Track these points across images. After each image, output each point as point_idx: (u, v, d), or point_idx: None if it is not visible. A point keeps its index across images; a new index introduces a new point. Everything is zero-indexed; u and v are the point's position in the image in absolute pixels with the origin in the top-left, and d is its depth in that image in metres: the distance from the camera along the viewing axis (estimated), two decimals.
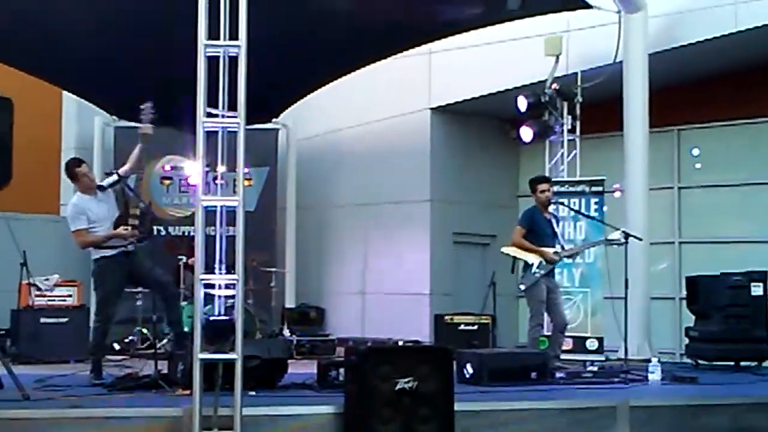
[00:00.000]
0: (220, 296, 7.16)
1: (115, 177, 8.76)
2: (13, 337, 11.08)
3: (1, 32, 10.84)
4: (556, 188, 11.61)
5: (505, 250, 9.99)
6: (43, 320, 11.05)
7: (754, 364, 11.17)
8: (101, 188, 8.74)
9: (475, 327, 12.30)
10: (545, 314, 9.91)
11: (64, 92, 14.76)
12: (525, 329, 10.23)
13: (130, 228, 8.44)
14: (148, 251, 8.54)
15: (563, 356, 10.93)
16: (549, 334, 10.16)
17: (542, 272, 9.72)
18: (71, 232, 8.62)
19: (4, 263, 10.37)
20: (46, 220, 13.83)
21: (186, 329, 9.45)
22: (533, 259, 9.73)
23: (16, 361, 9.51)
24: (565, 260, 10.27)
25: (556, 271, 11.20)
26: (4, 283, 10.98)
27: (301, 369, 9.09)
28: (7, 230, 8.66)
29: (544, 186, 10.08)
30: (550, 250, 9.80)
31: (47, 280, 11.44)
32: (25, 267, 10.86)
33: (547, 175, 11.87)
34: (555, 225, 10.11)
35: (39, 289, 11.34)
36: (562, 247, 10.02)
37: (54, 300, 11.40)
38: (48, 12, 10.45)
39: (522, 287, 9.77)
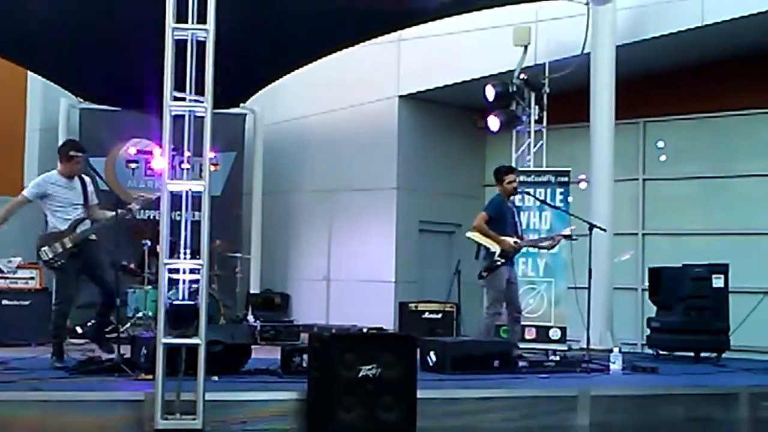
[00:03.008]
0: (184, 281, 7.12)
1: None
2: None
3: None
4: (522, 178, 11.68)
5: (469, 234, 10.02)
6: (4, 302, 10.97)
7: (713, 355, 11.31)
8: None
9: (439, 315, 12.36)
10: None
11: (30, 73, 14.61)
12: None
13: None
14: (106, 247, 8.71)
15: (526, 345, 11.04)
16: (506, 323, 10.25)
17: (502, 261, 9.76)
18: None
19: None
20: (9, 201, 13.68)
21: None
22: (495, 247, 9.77)
23: None
24: (523, 250, 10.35)
25: (521, 261, 11.33)
26: None
27: (265, 355, 9.10)
28: None
29: (511, 176, 10.13)
30: (509, 240, 9.84)
31: (9, 262, 11.28)
32: None
33: (513, 165, 11.94)
34: (516, 215, 10.18)
35: (1, 271, 11.23)
36: (521, 238, 10.07)
37: (16, 282, 11.29)
38: None
39: (484, 274, 9.80)
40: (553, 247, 10.55)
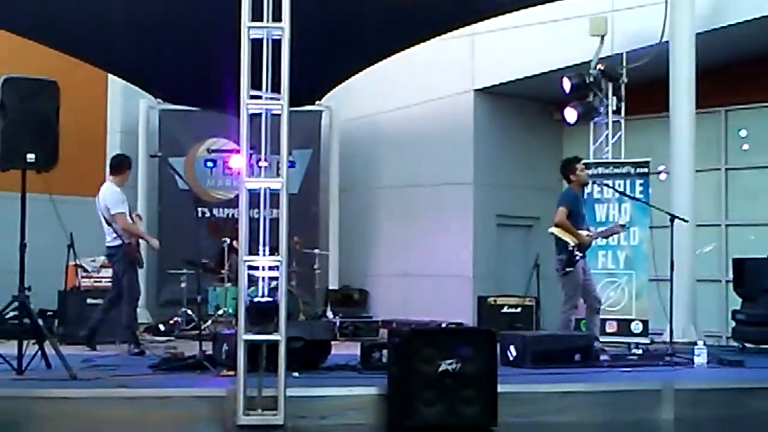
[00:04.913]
0: (263, 278, 7.18)
1: None
2: (60, 318, 11.20)
3: (48, 16, 10.92)
4: (600, 170, 11.57)
5: (552, 230, 9.91)
6: (89, 301, 11.12)
7: None
8: None
9: (519, 309, 12.28)
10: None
11: (110, 75, 14.86)
12: None
13: None
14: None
15: (608, 339, 10.90)
16: (583, 317, 10.14)
17: (581, 255, 9.66)
18: (116, 214, 9.61)
19: (51, 245, 10.47)
20: (91, 203, 13.91)
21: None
22: (573, 241, 9.66)
23: (63, 341, 9.64)
24: (594, 242, 10.25)
25: (600, 253, 11.24)
26: (52, 265, 11.09)
27: (345, 350, 9.14)
28: (53, 212, 8.76)
29: (582, 165, 10.04)
30: (585, 234, 9.74)
31: (93, 261, 11.56)
32: (71, 248, 10.98)
33: (590, 156, 11.84)
34: (584, 207, 10.10)
35: (85, 270, 11.47)
36: (588, 230, 9.96)
37: (100, 281, 11.51)
38: None
39: (568, 269, 9.65)
40: (610, 236, 10.46)
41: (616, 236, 11.01)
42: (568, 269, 9.62)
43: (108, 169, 10.18)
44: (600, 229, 10.57)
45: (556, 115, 13.21)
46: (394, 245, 15.59)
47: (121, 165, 10.04)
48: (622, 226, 10.29)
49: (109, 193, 9.80)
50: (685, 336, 11.32)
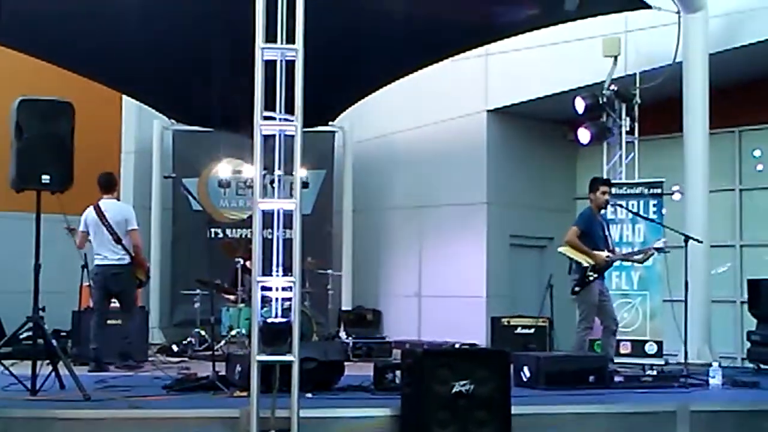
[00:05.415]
0: (277, 298, 7.18)
1: None
2: (75, 339, 11.20)
3: (63, 38, 10.99)
4: (614, 190, 11.54)
5: (561, 250, 9.92)
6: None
7: None
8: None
9: (532, 330, 12.24)
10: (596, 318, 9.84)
11: (124, 96, 14.94)
12: None
13: None
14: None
15: (622, 360, 10.85)
16: (598, 337, 10.10)
17: (595, 276, 9.65)
18: (134, 230, 9.93)
19: (65, 265, 10.49)
20: None
21: None
22: (587, 261, 9.65)
23: (77, 362, 9.64)
24: (615, 264, 10.22)
25: (614, 274, 11.19)
26: (66, 285, 11.11)
27: (358, 371, 9.11)
28: (68, 233, 8.81)
29: (605, 188, 10.03)
30: (601, 254, 9.72)
31: None
32: (85, 269, 11.00)
33: (605, 177, 11.82)
34: (606, 228, 10.06)
35: None
36: (612, 252, 9.93)
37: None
38: (108, 17, 10.58)
39: (577, 289, 9.67)
40: (645, 260, 10.40)
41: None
42: (577, 289, 9.63)
43: (104, 189, 10.05)
44: (625, 250, 10.53)
45: (570, 136, 13.19)
46: (407, 266, 15.57)
47: (114, 182, 10.24)
48: (659, 249, 10.11)
49: (125, 208, 9.95)
50: (700, 357, 11.26)
